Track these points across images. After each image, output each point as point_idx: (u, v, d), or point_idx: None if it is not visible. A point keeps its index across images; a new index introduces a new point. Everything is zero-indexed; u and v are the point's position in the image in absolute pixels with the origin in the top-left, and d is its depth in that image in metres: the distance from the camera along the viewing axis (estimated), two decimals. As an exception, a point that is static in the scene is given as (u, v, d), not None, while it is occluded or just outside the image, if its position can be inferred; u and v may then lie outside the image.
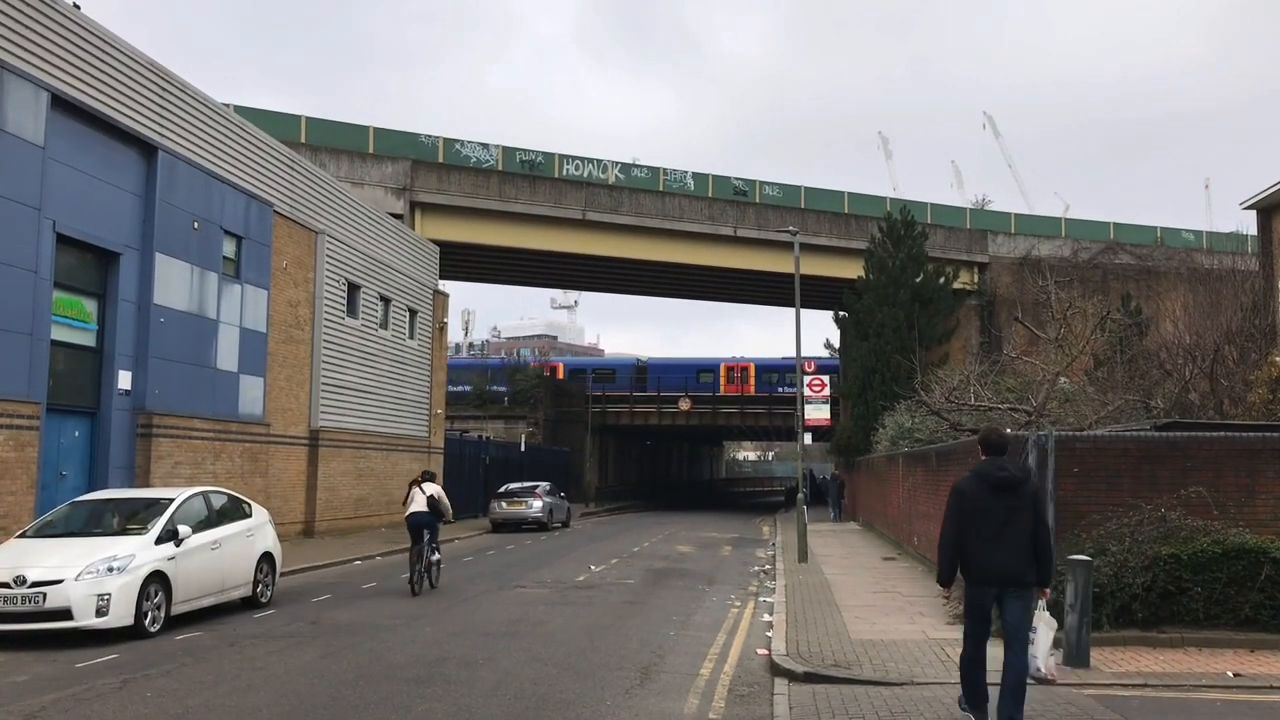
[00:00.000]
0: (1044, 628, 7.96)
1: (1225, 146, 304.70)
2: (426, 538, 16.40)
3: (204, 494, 14.27)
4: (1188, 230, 53.72)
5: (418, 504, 16.70)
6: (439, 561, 17.01)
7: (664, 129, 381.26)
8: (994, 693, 7.47)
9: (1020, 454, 11.76)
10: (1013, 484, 7.55)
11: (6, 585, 11.34)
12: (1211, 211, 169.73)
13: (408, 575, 16.31)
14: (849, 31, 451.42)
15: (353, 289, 29.36)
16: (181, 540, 12.73)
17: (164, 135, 20.39)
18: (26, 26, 16.83)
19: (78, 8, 18.58)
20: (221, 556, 13.65)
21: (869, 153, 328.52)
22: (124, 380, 19.34)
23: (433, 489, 16.93)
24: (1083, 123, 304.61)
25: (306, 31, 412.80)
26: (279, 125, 33.83)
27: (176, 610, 12.60)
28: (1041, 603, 7.83)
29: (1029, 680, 7.60)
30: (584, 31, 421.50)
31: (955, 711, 8.01)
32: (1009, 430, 13.01)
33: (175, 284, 20.69)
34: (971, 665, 7.61)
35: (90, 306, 18.89)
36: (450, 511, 17.63)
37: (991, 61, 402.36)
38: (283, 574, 16.15)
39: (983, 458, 7.81)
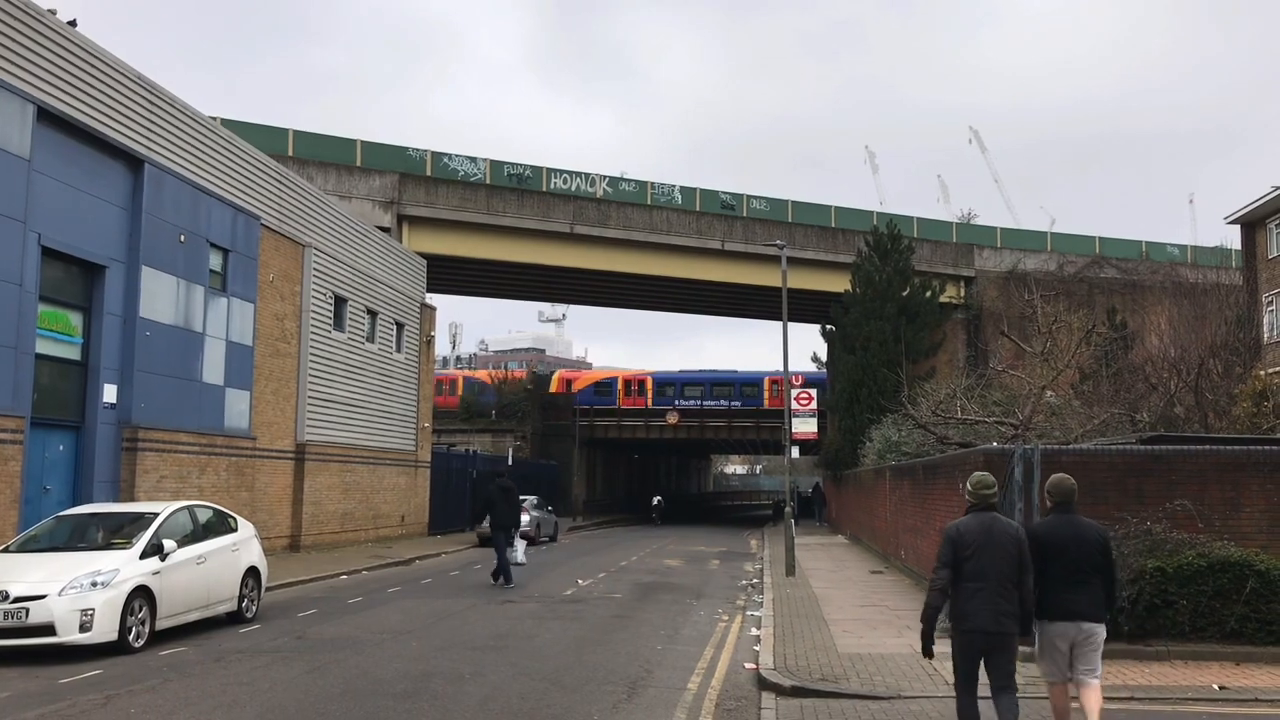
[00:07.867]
0: (521, 542, 19.57)
1: (1208, 161, 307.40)
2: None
3: (189, 508, 14.19)
4: (1172, 244, 54.18)
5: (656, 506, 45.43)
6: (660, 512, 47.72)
7: (635, 150, 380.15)
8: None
9: (1006, 468, 11.82)
10: (510, 490, 19.35)
11: (-11, 601, 11.25)
12: (1196, 226, 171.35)
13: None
14: (838, 46, 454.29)
15: (340, 302, 29.32)
16: (166, 555, 12.65)
17: (151, 148, 20.36)
18: (12, 39, 16.80)
19: (74, 24, 18.56)
20: (207, 571, 13.58)
21: (855, 168, 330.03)
22: (109, 394, 19.24)
23: (658, 499, 44.20)
24: (1068, 137, 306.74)
25: (258, 60, 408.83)
26: (266, 138, 33.83)
27: (161, 625, 12.52)
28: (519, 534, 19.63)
29: (514, 564, 18.84)
30: (533, 57, 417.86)
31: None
32: (995, 444, 13.45)
33: (161, 297, 20.61)
34: (500, 549, 18.85)
35: (75, 320, 18.80)
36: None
37: (978, 78, 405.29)
38: (268, 589, 16.08)
39: (501, 482, 19.30)
